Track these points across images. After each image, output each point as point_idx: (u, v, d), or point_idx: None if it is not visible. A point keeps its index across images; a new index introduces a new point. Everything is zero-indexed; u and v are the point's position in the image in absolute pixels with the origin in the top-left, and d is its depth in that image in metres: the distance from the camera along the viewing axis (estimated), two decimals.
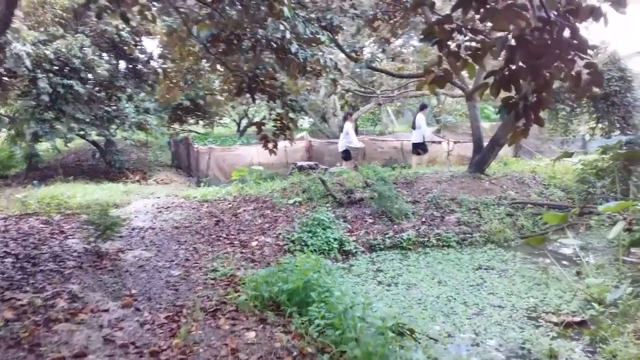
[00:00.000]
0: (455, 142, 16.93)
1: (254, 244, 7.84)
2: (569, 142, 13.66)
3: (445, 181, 11.05)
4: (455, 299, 6.25)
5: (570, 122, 12.16)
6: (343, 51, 11.46)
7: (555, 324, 5.37)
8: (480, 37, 3.47)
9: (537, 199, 10.59)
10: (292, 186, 10.65)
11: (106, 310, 4.64)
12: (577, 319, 5.44)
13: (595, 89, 3.53)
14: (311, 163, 13.97)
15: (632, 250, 6.74)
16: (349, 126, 14.55)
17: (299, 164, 13.77)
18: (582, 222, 9.10)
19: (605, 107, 10.42)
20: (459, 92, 21.46)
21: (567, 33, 3.22)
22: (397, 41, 16.00)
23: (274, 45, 6.38)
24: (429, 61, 3.82)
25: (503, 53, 3.51)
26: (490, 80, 3.49)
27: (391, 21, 12.75)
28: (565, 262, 7.59)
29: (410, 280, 6.99)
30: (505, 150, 14.45)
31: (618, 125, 10.41)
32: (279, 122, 6.55)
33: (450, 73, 3.67)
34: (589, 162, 11.18)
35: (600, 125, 10.94)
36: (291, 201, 9.77)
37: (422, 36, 3.71)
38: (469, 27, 3.48)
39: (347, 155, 14.43)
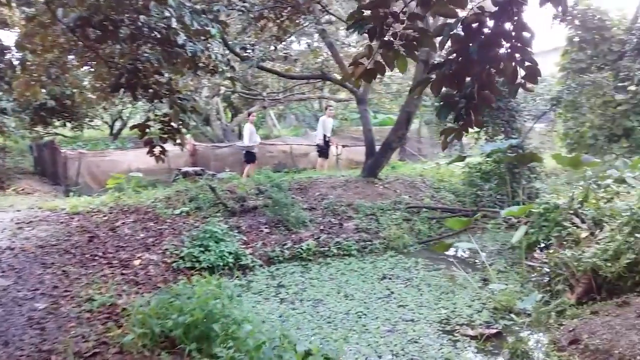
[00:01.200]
0: (343, 146, 16.86)
1: (136, 262, 6.86)
2: (457, 145, 14.05)
3: (340, 186, 10.71)
4: (365, 314, 5.83)
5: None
6: (230, 49, 10.68)
7: (473, 337, 5.13)
8: (418, 23, 3.00)
9: (430, 202, 10.61)
10: (177, 194, 9.64)
11: None
12: (493, 330, 5.25)
13: (530, 85, 3.23)
14: (197, 169, 12.98)
15: (536, 255, 6.77)
16: (247, 127, 13.92)
17: (184, 169, 12.72)
18: (479, 225, 9.19)
19: (490, 111, 10.70)
20: (343, 95, 21.54)
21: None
22: (283, 42, 15.44)
23: (158, 36, 5.50)
24: (359, 53, 3.30)
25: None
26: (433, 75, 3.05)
27: (278, 20, 12.18)
28: (464, 266, 7.51)
29: (315, 295, 6.47)
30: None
31: (502, 130, 10.74)
32: (166, 124, 5.67)
33: (383, 66, 3.17)
34: (474, 165, 11.46)
35: (485, 129, 11.24)
36: (177, 211, 8.80)
37: (349, 22, 3.19)
38: (405, 12, 2.98)
39: (249, 157, 13.69)
